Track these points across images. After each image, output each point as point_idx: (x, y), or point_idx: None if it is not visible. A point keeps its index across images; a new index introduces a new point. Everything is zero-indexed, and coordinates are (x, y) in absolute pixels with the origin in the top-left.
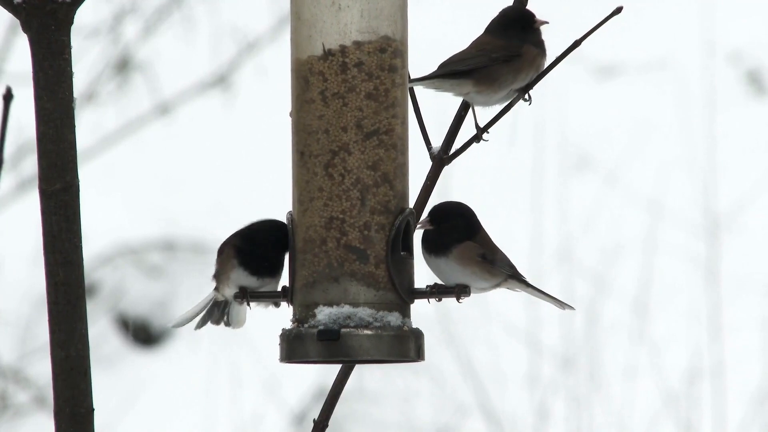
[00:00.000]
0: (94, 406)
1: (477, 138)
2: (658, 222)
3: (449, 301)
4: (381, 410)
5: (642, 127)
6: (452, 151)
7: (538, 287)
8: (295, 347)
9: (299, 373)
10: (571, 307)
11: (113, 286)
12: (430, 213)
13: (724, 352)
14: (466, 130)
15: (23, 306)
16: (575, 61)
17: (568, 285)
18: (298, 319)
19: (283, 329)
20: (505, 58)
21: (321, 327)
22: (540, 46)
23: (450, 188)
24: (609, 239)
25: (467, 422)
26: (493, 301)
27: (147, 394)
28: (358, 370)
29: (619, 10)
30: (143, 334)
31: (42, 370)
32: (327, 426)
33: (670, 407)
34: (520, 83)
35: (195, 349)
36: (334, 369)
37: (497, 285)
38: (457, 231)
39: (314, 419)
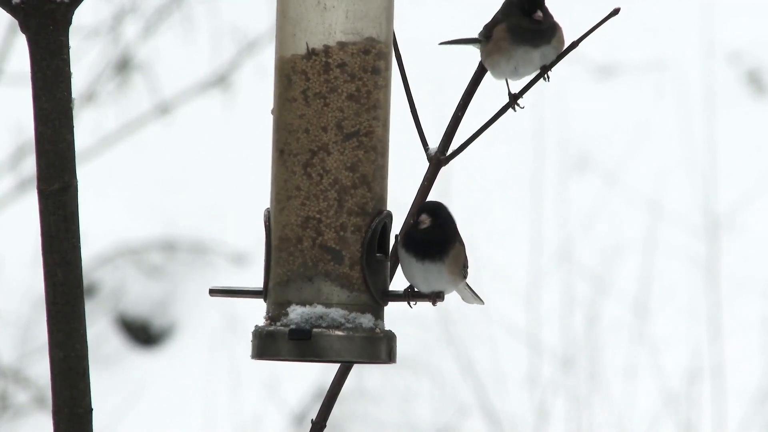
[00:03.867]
0: (94, 406)
1: (510, 106)
2: (658, 222)
3: (450, 301)
4: (380, 410)
5: (642, 127)
6: (450, 151)
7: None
8: (267, 345)
9: (299, 373)
10: (481, 301)
11: (113, 286)
12: (429, 211)
13: (724, 352)
14: (464, 131)
15: (23, 306)
16: (575, 61)
17: (568, 285)
18: (270, 317)
19: (256, 326)
20: (485, 36)
21: (293, 326)
22: (514, 32)
23: (449, 189)
24: (609, 239)
25: (467, 422)
26: (493, 301)
27: (147, 394)
28: (357, 370)
29: (616, 11)
30: (143, 334)
31: (42, 370)
32: (325, 426)
33: (670, 407)
34: (494, 66)
35: (195, 349)
36: (333, 368)
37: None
38: (449, 234)
39: (312, 419)
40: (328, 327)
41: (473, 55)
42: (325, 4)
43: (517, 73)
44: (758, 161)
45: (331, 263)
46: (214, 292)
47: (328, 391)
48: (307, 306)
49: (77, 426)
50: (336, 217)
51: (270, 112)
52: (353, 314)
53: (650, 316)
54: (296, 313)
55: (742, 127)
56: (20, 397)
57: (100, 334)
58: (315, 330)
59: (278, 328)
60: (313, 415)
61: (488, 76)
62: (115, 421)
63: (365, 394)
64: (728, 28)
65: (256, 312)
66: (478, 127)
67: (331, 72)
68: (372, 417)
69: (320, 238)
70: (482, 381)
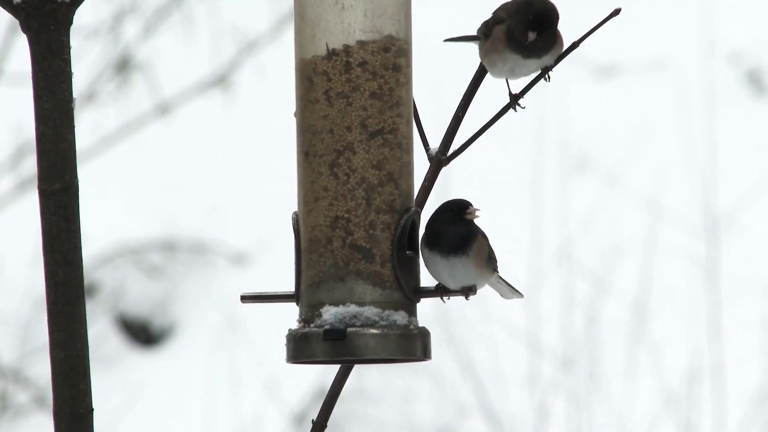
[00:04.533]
0: (94, 406)
1: (511, 106)
2: (658, 222)
3: (449, 301)
4: (381, 410)
5: (642, 127)
6: (450, 151)
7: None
8: (302, 347)
9: (299, 373)
10: (520, 295)
11: (113, 286)
12: (464, 201)
13: (724, 352)
14: (465, 131)
15: (23, 306)
16: (575, 62)
17: (568, 285)
18: (304, 319)
19: (289, 329)
20: (484, 33)
21: (327, 326)
22: (512, 38)
23: (449, 189)
24: (609, 239)
25: (467, 422)
26: (493, 301)
27: (147, 394)
28: (358, 370)
29: (617, 11)
30: (143, 334)
31: (42, 370)
32: (326, 426)
33: (670, 407)
34: (491, 66)
35: (195, 349)
36: (334, 369)
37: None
38: (470, 228)
39: (313, 419)
40: (362, 326)
41: (474, 56)
42: (343, 4)
43: (514, 74)
44: (758, 161)
45: (362, 262)
46: (245, 298)
47: (329, 391)
48: (340, 306)
49: (78, 426)
50: (365, 215)
51: (293, 114)
52: (387, 312)
53: (650, 316)
54: (329, 313)
55: (742, 127)
56: (20, 397)
57: (100, 334)
58: (349, 329)
59: (312, 329)
60: (313, 415)
61: (489, 76)
62: (115, 421)
63: (365, 394)
64: (728, 28)
65: (256, 313)
66: (479, 128)
67: (352, 71)
68: (372, 417)
69: (350, 238)
70: (482, 381)
